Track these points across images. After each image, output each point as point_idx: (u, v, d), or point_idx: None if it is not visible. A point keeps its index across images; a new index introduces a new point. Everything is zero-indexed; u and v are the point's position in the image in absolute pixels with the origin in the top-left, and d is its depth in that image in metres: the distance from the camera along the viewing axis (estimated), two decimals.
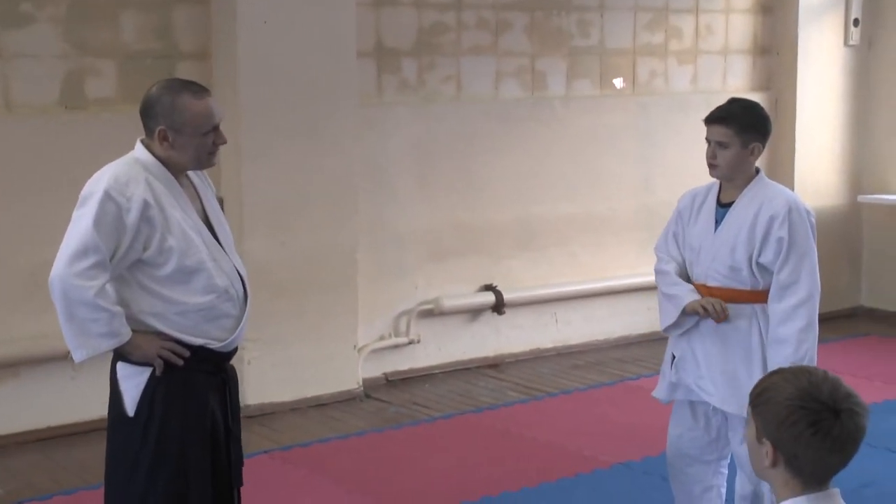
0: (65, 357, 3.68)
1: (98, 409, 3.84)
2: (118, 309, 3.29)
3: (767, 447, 2.29)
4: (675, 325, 4.08)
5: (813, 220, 3.97)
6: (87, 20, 5.76)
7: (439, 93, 6.92)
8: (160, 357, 3.33)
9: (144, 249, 3.31)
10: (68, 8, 5.70)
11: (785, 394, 2.26)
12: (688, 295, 4.00)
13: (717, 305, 3.93)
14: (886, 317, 8.37)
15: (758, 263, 3.92)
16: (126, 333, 3.29)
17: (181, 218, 3.35)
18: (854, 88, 8.35)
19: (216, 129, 3.40)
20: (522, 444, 5.69)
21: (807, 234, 3.91)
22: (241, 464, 3.58)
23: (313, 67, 6.13)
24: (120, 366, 3.39)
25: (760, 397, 2.31)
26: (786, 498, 2.30)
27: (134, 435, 3.36)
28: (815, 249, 3.95)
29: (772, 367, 3.80)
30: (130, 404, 3.36)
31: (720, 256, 3.97)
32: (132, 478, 3.38)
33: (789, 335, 3.86)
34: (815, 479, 2.29)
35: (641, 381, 6.68)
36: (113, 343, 3.29)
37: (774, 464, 2.29)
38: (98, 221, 3.24)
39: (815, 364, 3.84)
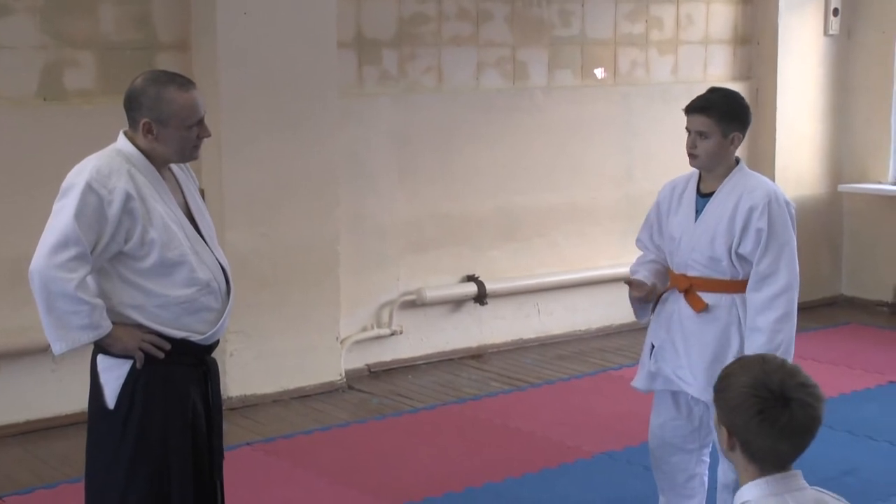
0: (45, 350, 3.66)
1: (79, 402, 3.83)
2: (99, 301, 3.27)
3: (724, 431, 2.38)
4: (641, 312, 4.20)
5: (793, 211, 3.98)
6: (65, 11, 5.72)
7: (420, 83, 6.91)
8: (141, 350, 3.32)
9: (126, 242, 3.29)
10: None
11: (740, 381, 2.34)
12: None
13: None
14: (866, 305, 8.41)
15: (737, 254, 3.93)
16: (106, 326, 3.28)
17: (163, 211, 3.34)
18: (834, 78, 8.38)
19: (201, 122, 3.39)
20: (505, 434, 5.70)
21: (786, 224, 3.92)
22: (221, 457, 3.57)
23: (294, 58, 6.11)
24: (100, 358, 3.37)
25: (720, 383, 2.40)
26: (746, 482, 2.38)
27: (114, 428, 3.35)
28: (795, 240, 3.96)
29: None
30: (111, 397, 3.35)
31: (700, 247, 3.98)
32: (113, 470, 3.36)
33: (765, 325, 3.88)
34: (770, 465, 2.36)
35: (623, 370, 6.69)
36: (93, 336, 3.28)
37: (732, 448, 2.38)
38: (79, 213, 3.22)
39: (790, 354, 3.87)
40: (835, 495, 2.45)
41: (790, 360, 3.87)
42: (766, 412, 2.29)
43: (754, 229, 3.89)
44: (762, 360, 2.39)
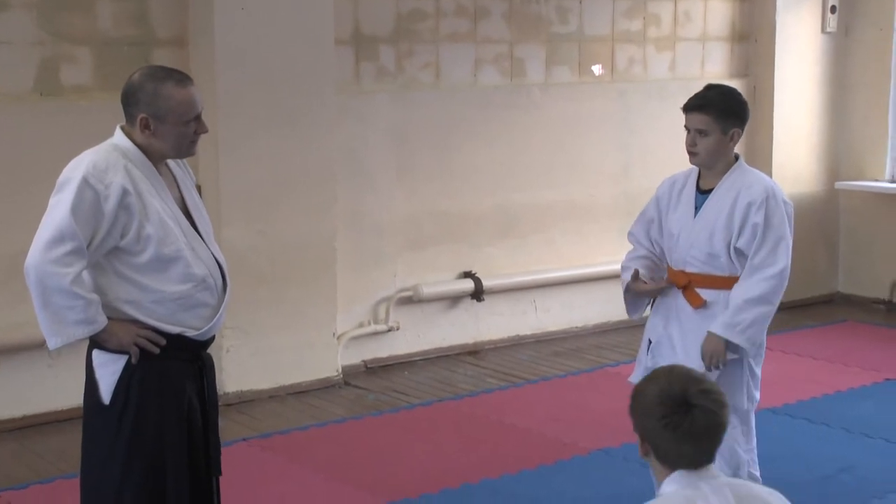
0: (42, 345, 3.65)
1: (75, 397, 3.82)
2: (94, 296, 3.27)
3: (638, 438, 2.60)
4: (633, 307, 4.22)
5: (790, 210, 3.99)
6: (62, 6, 5.71)
7: (418, 80, 6.90)
8: (136, 345, 3.32)
9: (122, 237, 3.29)
10: None
11: (648, 392, 2.57)
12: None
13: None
14: (863, 303, 8.42)
15: (735, 249, 3.94)
16: (102, 321, 3.27)
17: (159, 206, 3.34)
18: (831, 75, 8.38)
19: (198, 118, 3.39)
20: (502, 430, 5.70)
21: (782, 220, 3.93)
22: (219, 452, 3.57)
23: (291, 55, 6.10)
24: (95, 354, 3.37)
25: (633, 394, 2.63)
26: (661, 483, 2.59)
27: (109, 423, 3.34)
28: (790, 237, 3.96)
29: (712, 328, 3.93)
30: (106, 392, 3.34)
31: (698, 243, 3.99)
32: (108, 466, 3.36)
33: (735, 302, 3.90)
34: (681, 467, 2.54)
35: (620, 367, 6.70)
36: (88, 331, 3.27)
37: (646, 453, 2.59)
38: (75, 208, 3.22)
39: (751, 337, 3.90)
40: (753, 483, 2.65)
41: (753, 342, 3.90)
42: (669, 417, 2.49)
43: (751, 224, 3.90)
44: (669, 371, 2.61)
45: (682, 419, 2.48)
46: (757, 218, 3.90)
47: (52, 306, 3.24)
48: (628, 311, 4.26)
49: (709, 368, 3.92)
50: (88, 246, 3.24)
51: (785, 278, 3.93)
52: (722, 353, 3.93)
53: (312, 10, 6.15)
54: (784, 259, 3.92)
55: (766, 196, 3.92)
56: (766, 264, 3.90)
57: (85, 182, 3.23)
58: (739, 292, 3.92)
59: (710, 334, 3.94)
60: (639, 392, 2.59)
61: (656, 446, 2.54)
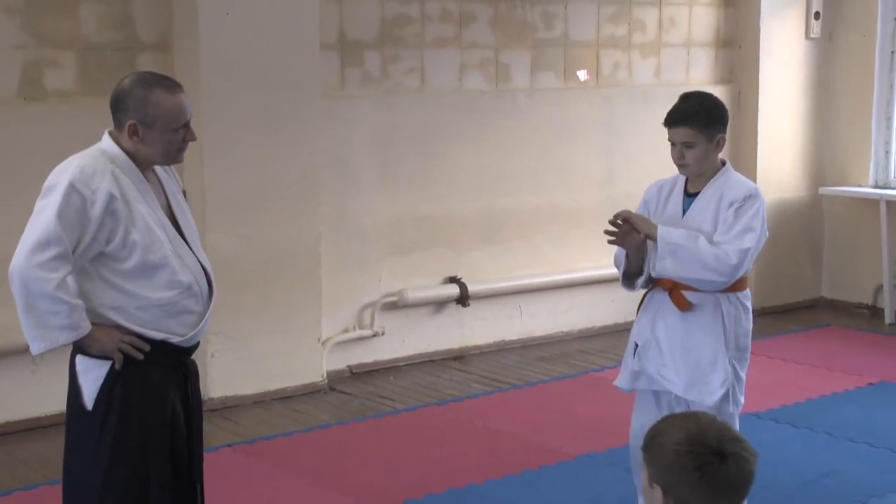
0: (25, 351, 3.64)
1: (59, 403, 3.81)
2: (78, 302, 3.26)
3: (658, 492, 2.28)
4: (626, 275, 4.13)
5: (765, 219, 3.98)
6: (45, 10, 5.70)
7: (403, 85, 6.90)
8: (120, 351, 3.30)
9: (107, 243, 3.28)
10: None
11: (673, 438, 2.27)
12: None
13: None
14: (847, 307, 8.44)
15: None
16: (86, 327, 3.26)
17: (146, 212, 3.33)
18: (815, 81, 8.42)
19: (187, 125, 3.38)
20: (487, 436, 5.70)
21: (756, 216, 3.92)
22: (201, 459, 3.56)
23: (276, 59, 6.10)
24: (79, 359, 3.36)
25: (651, 441, 2.32)
26: None
27: (92, 429, 3.33)
28: (759, 236, 3.92)
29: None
30: (89, 398, 3.33)
31: None
32: (91, 472, 3.35)
33: (694, 233, 3.88)
34: None
35: (605, 372, 6.70)
36: (72, 336, 3.26)
37: None
38: (62, 213, 3.21)
39: (673, 256, 3.86)
40: None
41: (664, 254, 3.85)
42: (705, 468, 2.22)
43: (727, 218, 3.91)
44: (694, 416, 2.35)
45: (717, 469, 2.22)
46: (731, 213, 3.91)
47: (35, 311, 3.23)
48: (624, 280, 4.18)
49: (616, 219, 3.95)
50: (74, 251, 3.23)
51: (743, 259, 3.87)
52: (649, 232, 3.91)
53: (298, 15, 6.15)
54: (749, 242, 3.88)
55: (748, 195, 3.94)
56: (728, 241, 3.88)
57: (72, 187, 3.23)
58: (700, 238, 3.89)
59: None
60: (660, 440, 2.29)
61: (684, 502, 2.25)
